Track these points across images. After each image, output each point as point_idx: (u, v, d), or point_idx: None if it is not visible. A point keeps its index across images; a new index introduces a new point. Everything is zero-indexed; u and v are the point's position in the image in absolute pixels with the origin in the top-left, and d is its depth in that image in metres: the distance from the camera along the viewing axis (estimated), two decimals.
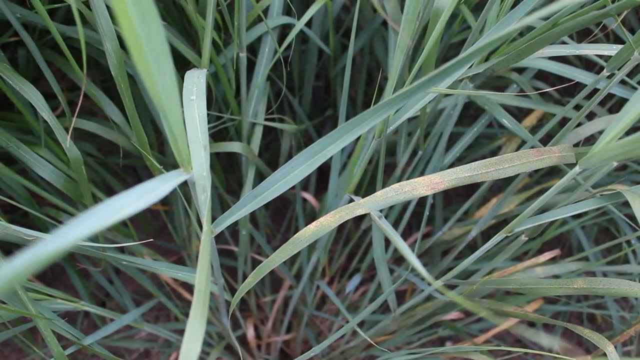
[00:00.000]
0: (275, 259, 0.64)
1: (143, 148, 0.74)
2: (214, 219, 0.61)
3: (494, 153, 1.25)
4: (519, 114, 1.34)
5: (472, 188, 1.52)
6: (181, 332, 1.32)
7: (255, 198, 0.60)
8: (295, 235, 0.62)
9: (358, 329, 0.83)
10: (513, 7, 0.69)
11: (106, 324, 0.95)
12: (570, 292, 0.68)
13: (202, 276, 0.41)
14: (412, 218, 1.43)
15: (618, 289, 0.64)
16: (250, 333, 1.26)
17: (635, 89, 0.84)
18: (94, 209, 0.34)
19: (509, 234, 0.68)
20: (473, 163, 0.60)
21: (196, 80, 0.60)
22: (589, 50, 0.75)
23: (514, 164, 0.61)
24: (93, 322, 1.34)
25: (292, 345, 1.37)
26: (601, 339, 0.71)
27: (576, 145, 0.98)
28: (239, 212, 0.62)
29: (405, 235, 1.42)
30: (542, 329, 1.44)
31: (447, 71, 0.47)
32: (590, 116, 1.10)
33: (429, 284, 0.91)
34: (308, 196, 1.20)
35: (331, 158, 0.97)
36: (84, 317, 1.33)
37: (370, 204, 0.61)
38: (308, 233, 0.62)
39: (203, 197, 0.51)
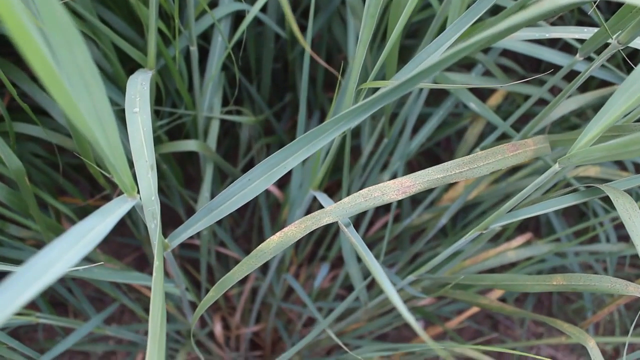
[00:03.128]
0: (237, 272, 0.60)
1: (85, 157, 0.68)
2: (173, 222, 0.57)
3: (460, 134, 1.22)
4: (485, 90, 1.31)
5: None
6: (146, 332, 1.27)
7: (210, 212, 0.56)
8: (258, 247, 0.58)
9: (330, 331, 0.80)
10: None
11: (67, 330, 0.90)
12: (550, 288, 0.65)
13: (156, 323, 0.37)
14: None
15: (599, 285, 0.62)
16: (218, 330, 1.22)
17: (610, 69, 0.81)
18: (17, 274, 0.29)
19: (484, 231, 0.65)
20: (446, 163, 0.57)
21: (139, 88, 0.54)
22: (561, 33, 0.72)
23: (489, 161, 0.58)
24: (54, 329, 1.28)
25: (262, 335, 1.34)
26: (581, 333, 0.69)
27: (546, 131, 0.95)
28: (194, 226, 0.58)
29: (372, 218, 1.38)
30: (514, 303, 1.43)
31: (415, 79, 0.43)
32: (557, 93, 1.07)
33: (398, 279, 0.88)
34: (271, 187, 1.16)
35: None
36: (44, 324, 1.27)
37: (338, 212, 0.57)
38: (272, 245, 0.58)
39: (153, 225, 0.46)
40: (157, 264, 0.42)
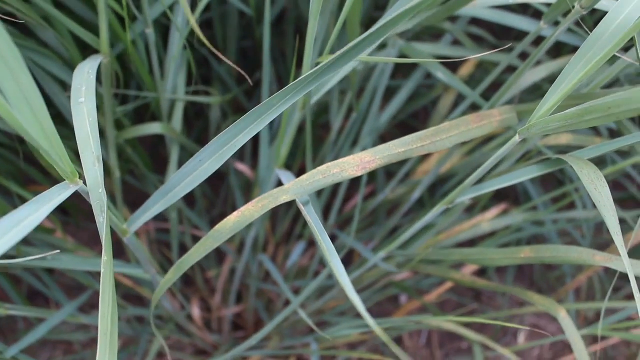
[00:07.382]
0: (194, 254, 0.60)
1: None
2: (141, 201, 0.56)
3: (434, 104, 1.20)
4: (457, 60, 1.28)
5: None
6: (124, 318, 1.26)
7: (165, 195, 0.55)
8: (215, 228, 0.57)
9: (301, 311, 0.79)
10: None
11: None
12: (517, 262, 0.64)
13: (105, 324, 0.36)
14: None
15: (566, 256, 0.61)
16: (196, 312, 1.21)
17: (581, 35, 0.80)
18: None
19: (450, 206, 0.64)
20: (407, 137, 0.55)
21: (86, 76, 0.52)
22: None
23: (452, 133, 0.57)
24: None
25: (244, 316, 1.33)
26: (552, 304, 0.68)
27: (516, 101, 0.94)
28: (150, 210, 0.58)
29: (347, 192, 1.37)
30: (496, 274, 1.43)
31: (370, 39, 0.42)
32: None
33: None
34: (243, 167, 1.14)
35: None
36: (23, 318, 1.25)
37: (296, 190, 0.55)
38: (229, 224, 0.57)
39: (102, 219, 0.44)
40: (105, 259, 0.40)
